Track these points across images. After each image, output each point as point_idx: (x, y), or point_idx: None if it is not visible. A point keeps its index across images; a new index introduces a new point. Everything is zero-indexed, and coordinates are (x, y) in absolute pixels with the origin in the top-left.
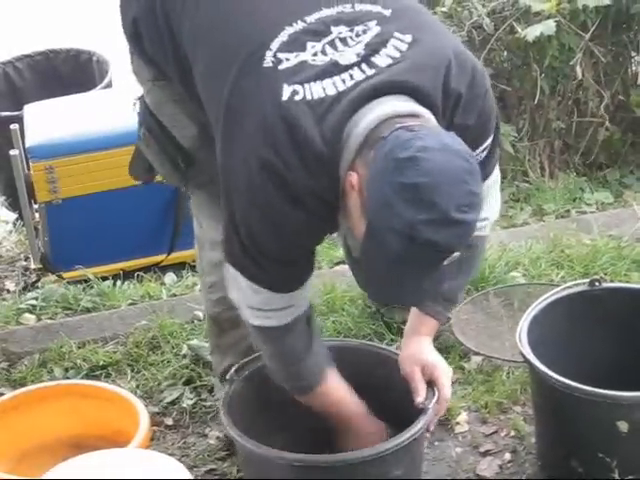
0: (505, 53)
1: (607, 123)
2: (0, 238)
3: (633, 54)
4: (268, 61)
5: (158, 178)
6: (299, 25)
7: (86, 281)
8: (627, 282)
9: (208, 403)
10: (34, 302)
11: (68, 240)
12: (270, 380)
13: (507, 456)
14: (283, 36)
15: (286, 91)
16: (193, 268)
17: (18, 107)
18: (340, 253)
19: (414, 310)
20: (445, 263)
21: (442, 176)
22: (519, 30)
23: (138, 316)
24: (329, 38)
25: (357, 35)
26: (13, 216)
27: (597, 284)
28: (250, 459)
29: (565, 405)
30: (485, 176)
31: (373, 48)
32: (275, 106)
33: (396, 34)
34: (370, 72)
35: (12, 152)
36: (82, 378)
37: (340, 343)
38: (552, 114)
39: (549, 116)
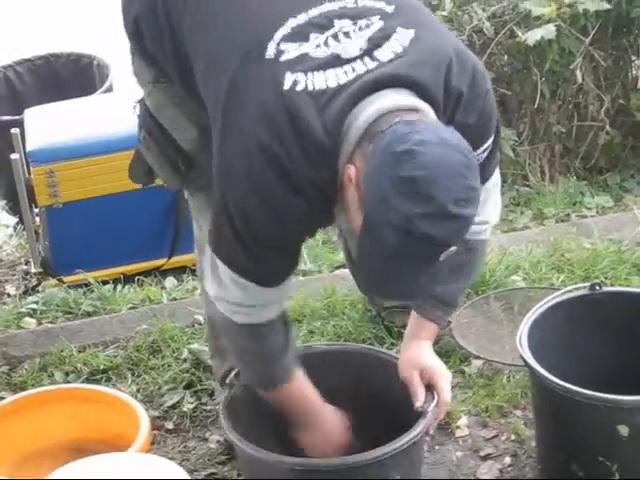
0: (505, 57)
1: (607, 127)
2: (1, 242)
3: (633, 58)
4: (270, 52)
5: (158, 181)
6: (303, 17)
7: (87, 285)
8: (627, 286)
9: (208, 407)
10: (35, 306)
11: (69, 244)
12: None
13: (507, 460)
14: (286, 28)
15: (288, 80)
16: (193, 272)
17: (19, 111)
18: (340, 257)
19: (414, 314)
20: (442, 258)
21: (439, 170)
22: (519, 34)
23: (139, 320)
24: (332, 31)
25: (360, 29)
26: (14, 220)
27: (597, 288)
28: (250, 463)
29: (565, 409)
30: (485, 179)
31: (376, 42)
32: (277, 95)
33: (399, 29)
34: (372, 65)
35: (13, 156)
36: (82, 382)
37: (340, 347)
38: (552, 118)
39: (549, 120)
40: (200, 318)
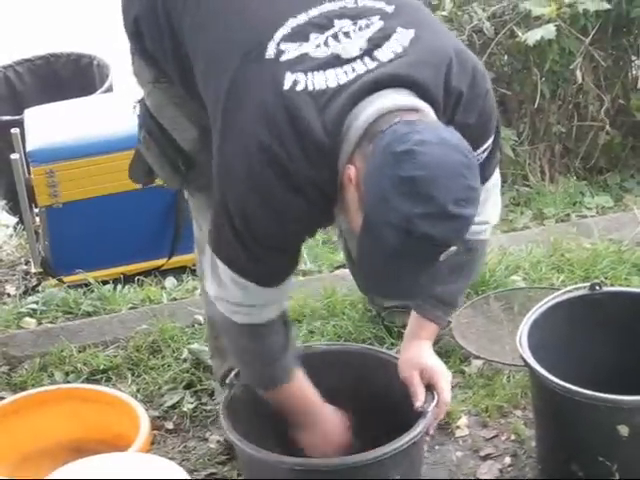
0: (505, 57)
1: (607, 127)
2: (1, 242)
3: (633, 58)
4: (270, 52)
5: (158, 181)
6: (303, 17)
7: (87, 285)
8: (627, 286)
9: (208, 407)
10: (35, 306)
11: (69, 244)
12: None
13: (507, 460)
14: (287, 28)
15: (288, 80)
16: (193, 272)
17: (19, 111)
18: (340, 257)
19: (414, 314)
20: (442, 258)
21: (439, 170)
22: (519, 34)
23: (139, 320)
24: (332, 31)
25: (360, 29)
26: (14, 220)
27: (597, 288)
28: (250, 463)
29: (565, 409)
30: (485, 179)
31: (376, 42)
32: (277, 95)
33: (399, 29)
34: (372, 65)
35: (13, 156)
36: (82, 382)
37: (340, 347)
38: (552, 118)
39: (549, 120)
40: (200, 318)
